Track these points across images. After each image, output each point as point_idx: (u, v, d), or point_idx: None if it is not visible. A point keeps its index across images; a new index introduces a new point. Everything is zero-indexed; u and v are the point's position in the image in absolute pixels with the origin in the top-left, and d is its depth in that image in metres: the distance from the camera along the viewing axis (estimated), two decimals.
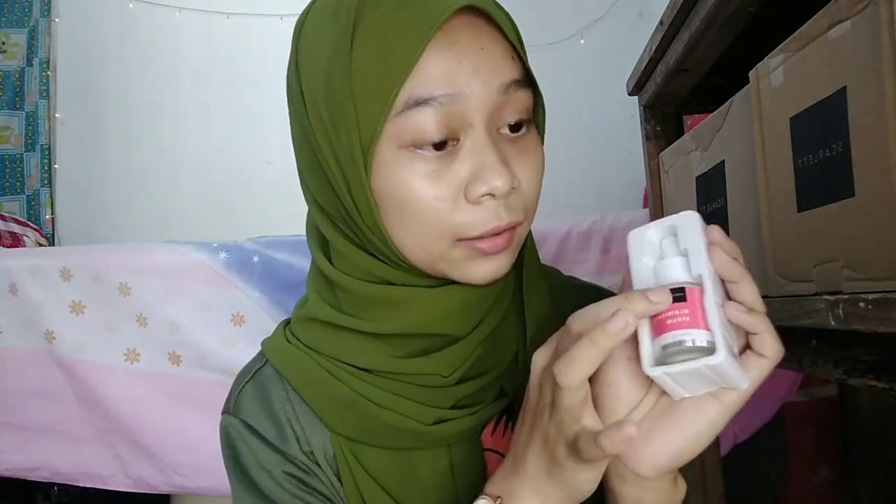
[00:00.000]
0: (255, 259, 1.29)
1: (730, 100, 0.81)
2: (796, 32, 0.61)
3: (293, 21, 0.55)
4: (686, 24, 0.91)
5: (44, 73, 2.53)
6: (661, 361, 0.38)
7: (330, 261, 0.51)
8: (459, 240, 0.45)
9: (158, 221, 2.55)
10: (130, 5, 2.63)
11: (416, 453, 0.51)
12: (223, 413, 0.55)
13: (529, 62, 0.48)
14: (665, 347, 0.38)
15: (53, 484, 1.66)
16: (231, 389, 0.56)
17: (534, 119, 0.49)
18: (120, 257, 1.30)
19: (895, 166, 0.48)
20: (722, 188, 0.86)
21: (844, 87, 0.54)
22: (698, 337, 0.37)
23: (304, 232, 0.55)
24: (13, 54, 2.57)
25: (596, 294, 0.59)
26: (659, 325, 0.38)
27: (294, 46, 0.50)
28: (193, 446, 1.28)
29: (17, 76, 2.55)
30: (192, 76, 2.67)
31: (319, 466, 0.52)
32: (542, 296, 0.55)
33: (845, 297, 0.54)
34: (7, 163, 2.53)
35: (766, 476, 1.62)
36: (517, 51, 0.46)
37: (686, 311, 0.38)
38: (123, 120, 2.63)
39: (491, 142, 0.44)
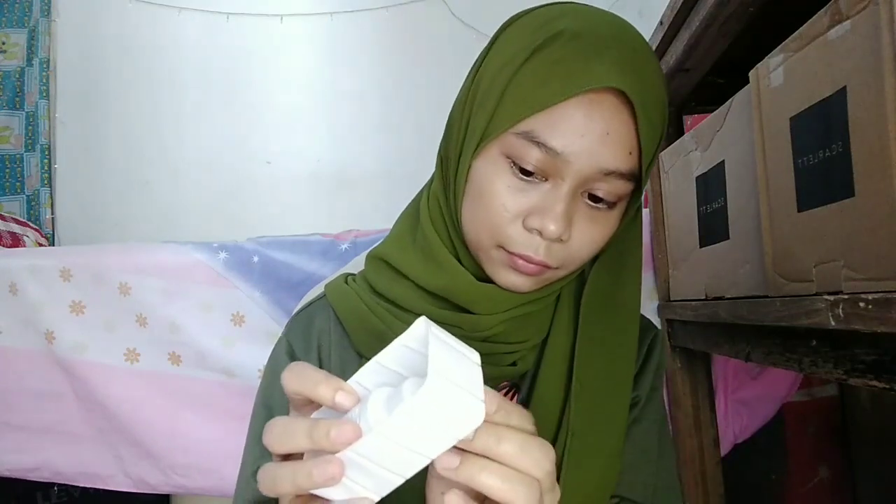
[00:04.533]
0: (255, 259, 1.29)
1: (730, 100, 0.81)
2: (796, 32, 0.61)
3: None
4: (686, 24, 0.91)
5: (44, 73, 2.53)
6: None
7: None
8: (500, 246, 0.52)
9: (158, 221, 2.55)
10: (130, 5, 2.63)
11: None
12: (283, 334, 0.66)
13: None
14: None
15: (53, 484, 1.66)
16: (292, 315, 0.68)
17: (629, 204, 0.54)
18: (120, 257, 1.30)
19: (895, 166, 0.48)
20: (722, 188, 0.86)
21: (844, 87, 0.54)
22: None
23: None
24: (13, 54, 2.57)
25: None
26: None
27: (494, 36, 0.56)
28: (193, 446, 1.28)
29: (17, 76, 2.56)
30: (192, 76, 2.67)
31: None
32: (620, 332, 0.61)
33: (845, 297, 0.54)
34: (7, 163, 2.53)
35: (766, 476, 1.62)
36: (641, 146, 0.50)
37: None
38: (123, 120, 2.63)
39: (568, 196, 0.49)
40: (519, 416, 0.39)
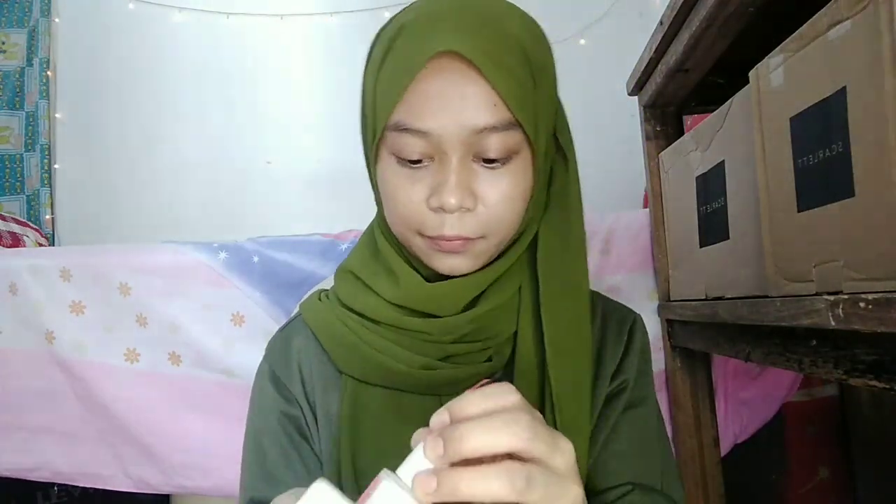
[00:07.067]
0: (255, 259, 1.29)
1: (730, 100, 0.81)
2: (796, 32, 0.61)
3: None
4: (686, 24, 0.91)
5: (44, 73, 2.53)
6: None
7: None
8: (420, 235, 0.54)
9: (158, 221, 2.55)
10: (130, 5, 2.63)
11: (407, 396, 0.59)
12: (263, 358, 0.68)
13: None
14: None
15: (53, 484, 1.66)
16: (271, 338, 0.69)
17: (535, 155, 0.54)
18: (120, 257, 1.30)
19: (895, 166, 0.49)
20: (722, 188, 0.86)
21: (844, 87, 0.54)
22: None
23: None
24: (13, 54, 2.57)
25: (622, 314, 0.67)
26: None
27: (367, 56, 0.59)
28: (193, 446, 1.28)
29: (17, 76, 2.55)
30: (192, 76, 2.67)
31: (313, 409, 0.63)
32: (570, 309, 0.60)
33: (845, 297, 0.54)
34: (7, 163, 2.53)
35: (766, 476, 1.62)
36: (503, 96, 0.50)
37: None
38: (123, 120, 2.63)
39: (457, 167, 0.51)
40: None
